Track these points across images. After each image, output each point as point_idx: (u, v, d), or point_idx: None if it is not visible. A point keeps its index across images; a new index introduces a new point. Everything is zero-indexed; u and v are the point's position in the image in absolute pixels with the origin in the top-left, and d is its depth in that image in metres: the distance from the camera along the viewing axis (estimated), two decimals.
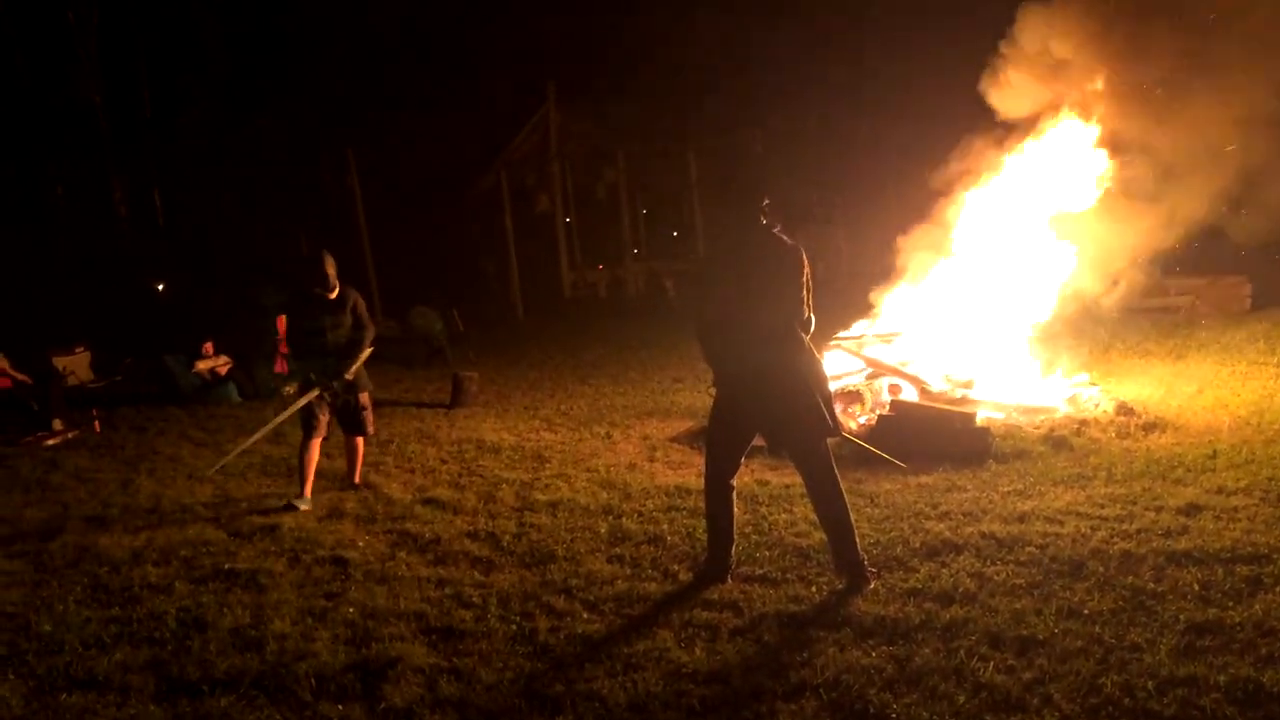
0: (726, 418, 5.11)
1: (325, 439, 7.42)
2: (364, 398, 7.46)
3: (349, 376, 7.27)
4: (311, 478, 7.26)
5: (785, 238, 4.95)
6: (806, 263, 4.92)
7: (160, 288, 21.46)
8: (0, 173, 21.17)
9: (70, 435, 10.90)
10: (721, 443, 5.15)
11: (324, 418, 7.31)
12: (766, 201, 4.91)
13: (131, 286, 20.78)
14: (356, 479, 7.61)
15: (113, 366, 14.64)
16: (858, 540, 4.99)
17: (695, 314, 5.17)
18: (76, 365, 14.01)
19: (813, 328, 4.99)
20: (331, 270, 7.25)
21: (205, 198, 23.62)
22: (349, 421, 7.49)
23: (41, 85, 22.04)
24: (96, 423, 11.32)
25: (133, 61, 23.08)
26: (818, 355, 5.04)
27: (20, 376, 11.90)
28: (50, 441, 10.63)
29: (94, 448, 10.22)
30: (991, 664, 3.91)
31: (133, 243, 22.91)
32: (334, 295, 7.29)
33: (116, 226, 22.99)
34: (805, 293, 4.90)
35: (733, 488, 5.18)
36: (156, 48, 23.30)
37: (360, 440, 7.60)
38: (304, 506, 7.02)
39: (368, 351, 7.42)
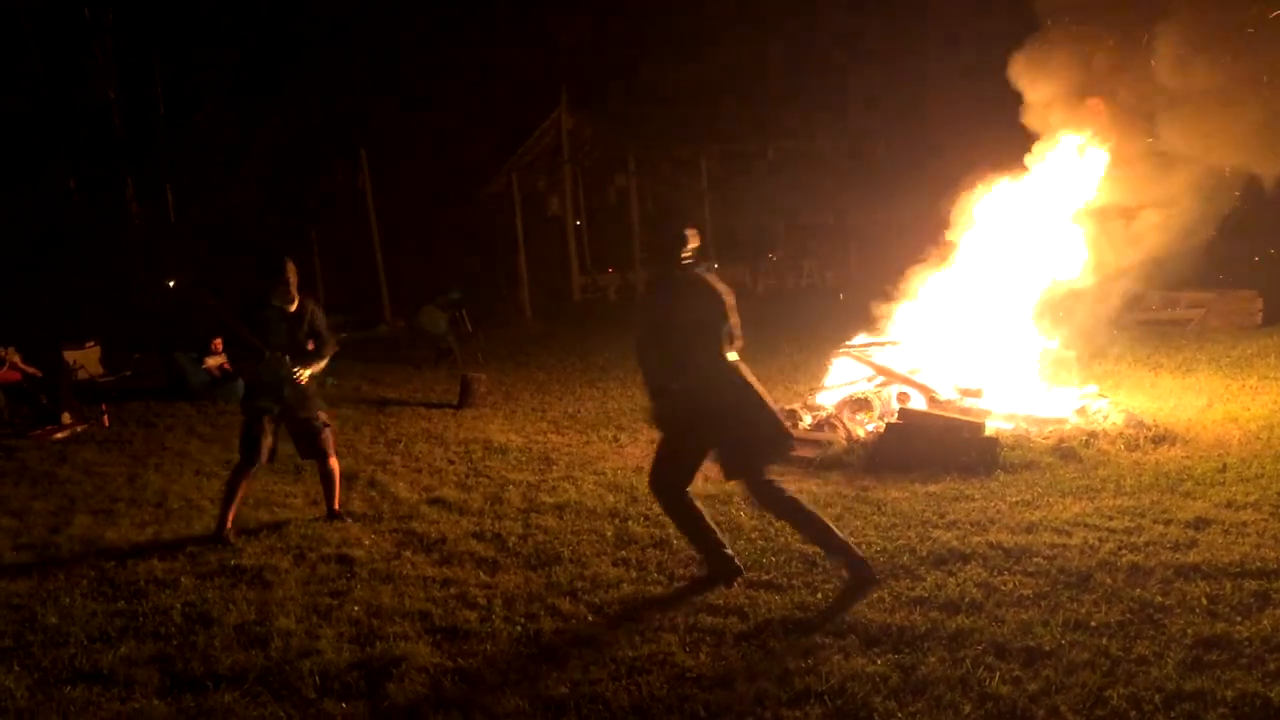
0: (678, 440, 5.24)
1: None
2: (321, 417, 6.67)
3: (303, 380, 6.50)
4: (234, 513, 6.48)
5: (707, 278, 5.17)
6: (727, 297, 5.17)
7: (171, 284, 21.52)
8: (14, 168, 21.24)
9: (79, 429, 10.94)
10: (673, 461, 5.26)
11: (268, 444, 6.48)
12: (691, 247, 5.13)
13: (142, 282, 20.83)
14: (336, 506, 6.77)
15: (123, 361, 14.69)
16: (840, 537, 5.07)
17: (641, 345, 5.39)
18: (87, 360, 14.04)
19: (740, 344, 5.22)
20: (293, 279, 6.51)
21: (217, 196, 23.69)
22: (308, 447, 6.65)
23: (57, 82, 22.12)
24: (105, 417, 11.36)
25: (147, 60, 23.13)
26: (750, 374, 5.21)
27: (30, 370, 11.95)
28: (59, 435, 10.67)
29: (102, 442, 10.25)
30: (998, 674, 3.89)
31: (144, 239, 22.97)
32: (293, 308, 6.53)
33: (128, 223, 23.05)
34: (731, 324, 5.15)
35: (689, 494, 5.26)
36: (170, 46, 23.36)
37: (332, 463, 6.71)
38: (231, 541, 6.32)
39: (321, 364, 6.72)
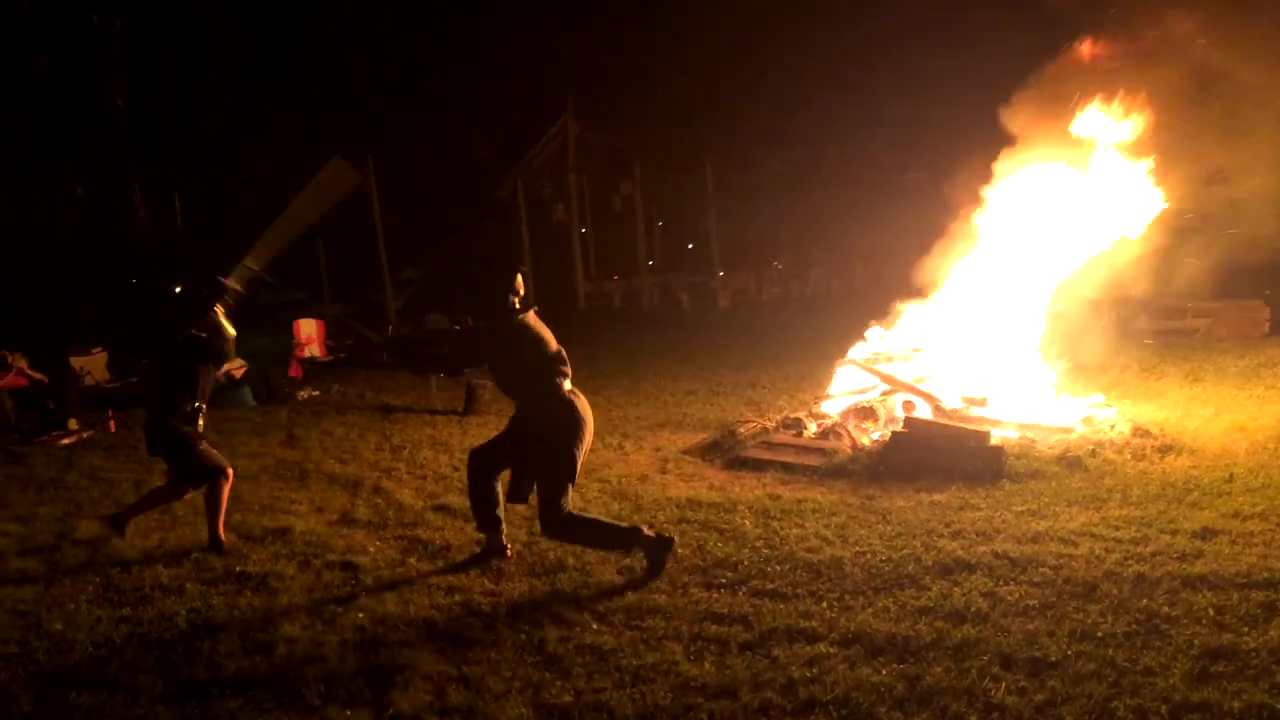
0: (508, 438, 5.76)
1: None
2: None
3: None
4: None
5: (513, 320, 5.38)
6: (526, 332, 5.39)
7: (178, 290, 21.57)
8: (23, 173, 21.33)
9: (85, 435, 10.96)
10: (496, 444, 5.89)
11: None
12: (517, 292, 5.40)
13: (149, 288, 20.88)
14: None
15: (129, 367, 14.71)
16: (629, 529, 5.43)
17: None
18: (93, 365, 14.07)
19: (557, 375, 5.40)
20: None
21: (223, 200, 23.78)
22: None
23: (64, 87, 22.23)
24: (112, 423, 11.38)
25: (154, 65, 23.26)
26: (558, 411, 5.39)
27: (37, 376, 11.97)
28: (65, 441, 10.69)
29: (108, 447, 10.27)
30: (1003, 685, 3.88)
31: (151, 244, 23.05)
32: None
33: (135, 228, 23.14)
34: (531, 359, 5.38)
35: (496, 479, 5.80)
36: (177, 51, 23.48)
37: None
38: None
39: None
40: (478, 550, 5.95)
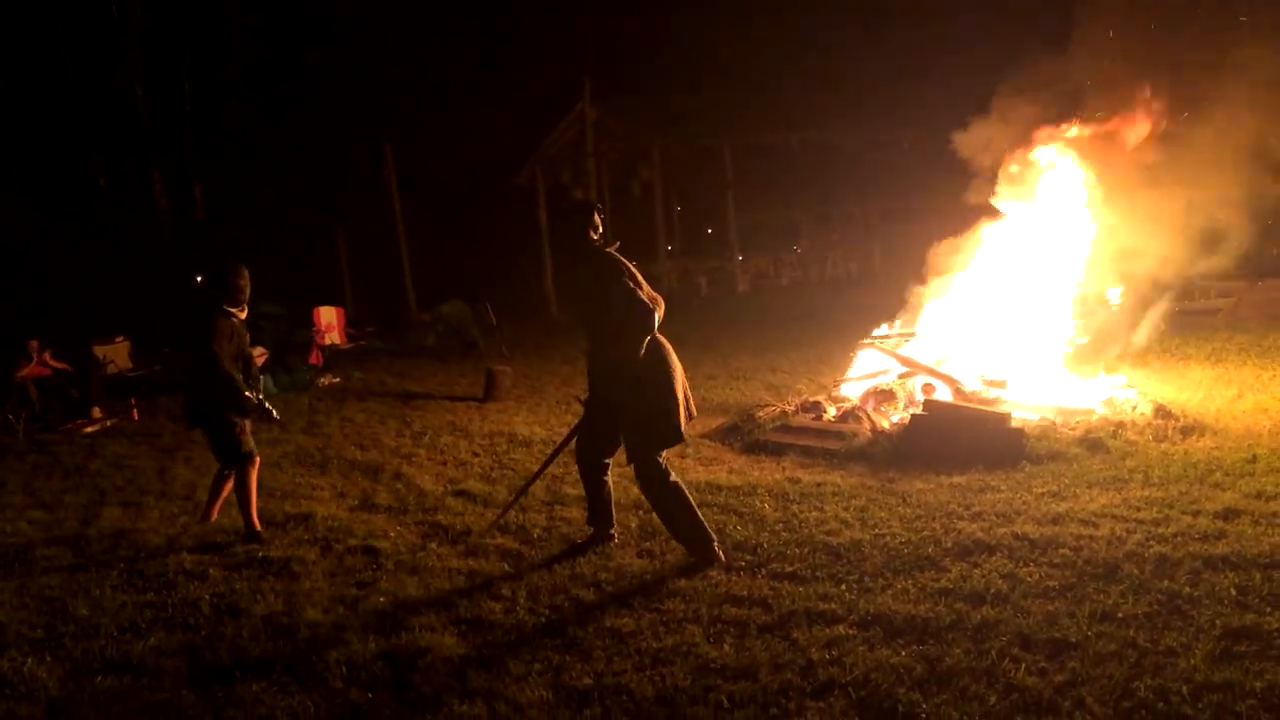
0: (590, 411, 5.65)
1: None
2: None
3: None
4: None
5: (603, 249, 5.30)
6: (621, 263, 5.22)
7: (199, 279, 21.70)
8: (44, 163, 21.48)
9: (109, 423, 11.07)
10: (583, 431, 5.70)
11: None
12: (597, 229, 5.32)
13: (171, 277, 21.02)
14: (214, 515, 6.74)
15: (152, 356, 14.83)
16: (707, 534, 5.32)
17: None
18: (116, 354, 14.18)
19: (652, 319, 5.17)
20: (248, 287, 6.39)
21: (243, 189, 23.88)
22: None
23: (85, 78, 22.34)
24: (135, 411, 11.49)
25: (175, 55, 23.33)
26: (659, 357, 5.25)
27: (60, 365, 12.10)
28: (89, 429, 10.81)
29: (132, 435, 10.37)
30: (1023, 666, 3.88)
31: (172, 234, 23.18)
32: (244, 316, 6.42)
33: (157, 218, 23.27)
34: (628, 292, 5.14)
35: (607, 468, 5.72)
36: (197, 41, 23.56)
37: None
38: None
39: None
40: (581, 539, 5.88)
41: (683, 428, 5.30)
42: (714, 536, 5.39)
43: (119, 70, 22.49)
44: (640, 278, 5.23)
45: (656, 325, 5.20)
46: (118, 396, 12.11)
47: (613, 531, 5.78)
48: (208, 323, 6.21)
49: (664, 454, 5.34)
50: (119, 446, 9.81)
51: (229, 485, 6.62)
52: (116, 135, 22.64)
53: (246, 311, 6.43)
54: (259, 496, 6.65)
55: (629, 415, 5.28)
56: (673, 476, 5.32)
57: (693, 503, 5.38)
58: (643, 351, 5.15)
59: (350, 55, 24.98)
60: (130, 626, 4.93)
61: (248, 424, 6.40)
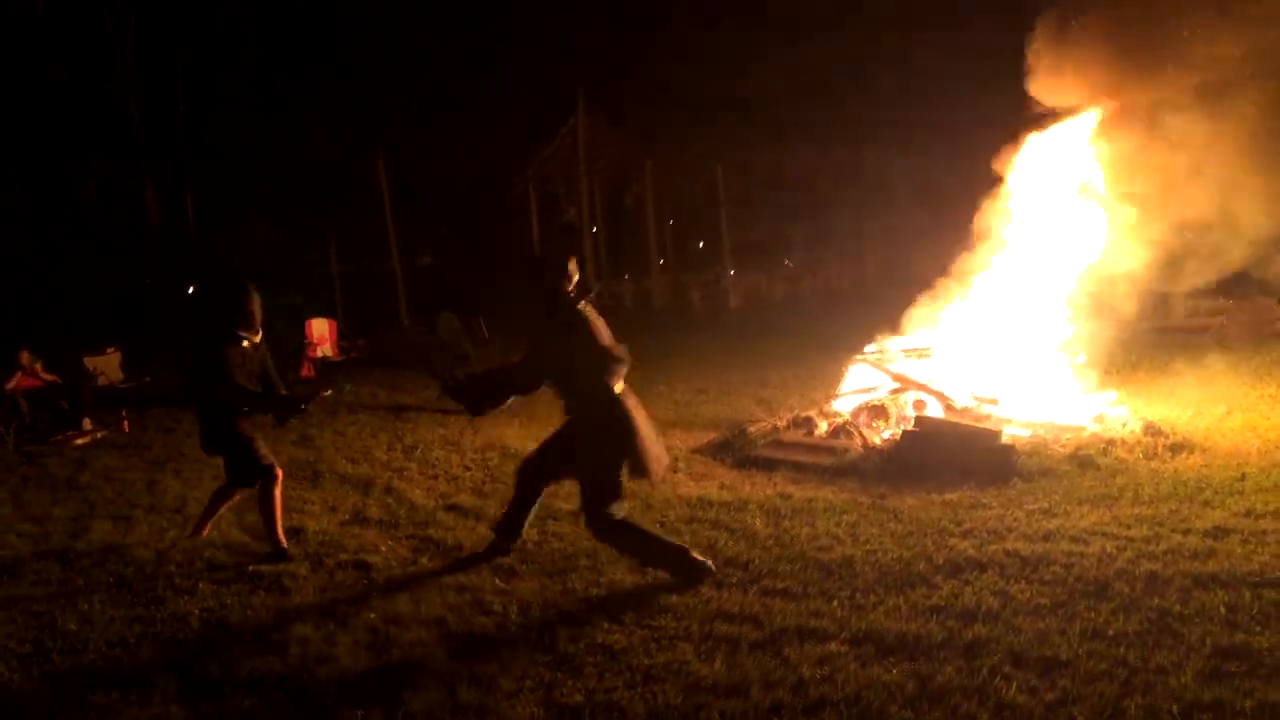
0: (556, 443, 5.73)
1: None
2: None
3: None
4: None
5: (568, 307, 5.26)
6: (584, 320, 5.22)
7: (191, 290, 21.67)
8: (35, 172, 21.44)
9: (99, 435, 11.03)
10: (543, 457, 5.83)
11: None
12: (570, 278, 5.26)
13: (162, 287, 20.99)
14: (205, 531, 6.64)
15: (143, 367, 14.80)
16: (679, 549, 5.33)
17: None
18: (107, 366, 14.16)
19: (620, 368, 5.26)
20: (259, 311, 6.24)
21: (235, 200, 23.88)
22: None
23: (78, 85, 22.33)
24: (125, 423, 11.45)
25: (168, 63, 23.34)
26: (604, 410, 5.22)
27: (50, 376, 12.05)
28: (79, 441, 10.76)
29: (122, 448, 10.34)
30: (1014, 684, 3.88)
31: (164, 243, 23.15)
32: (258, 340, 6.27)
33: (148, 227, 23.24)
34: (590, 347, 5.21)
35: (540, 490, 5.90)
36: (191, 50, 23.57)
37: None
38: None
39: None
40: (481, 549, 6.00)
41: (619, 488, 5.29)
42: (687, 547, 5.39)
43: (112, 78, 22.49)
44: (608, 334, 5.28)
45: (622, 375, 5.27)
46: (108, 408, 12.07)
47: (512, 549, 5.88)
48: (219, 353, 6.05)
49: (620, 507, 5.33)
50: (109, 459, 9.77)
51: (229, 503, 6.60)
52: (108, 143, 22.62)
53: (261, 335, 6.26)
54: (251, 510, 6.62)
55: (586, 472, 5.32)
56: (619, 515, 5.29)
57: (651, 530, 5.47)
58: (608, 400, 5.19)
59: (344, 68, 25.03)
60: (119, 641, 4.90)
61: (261, 439, 6.34)
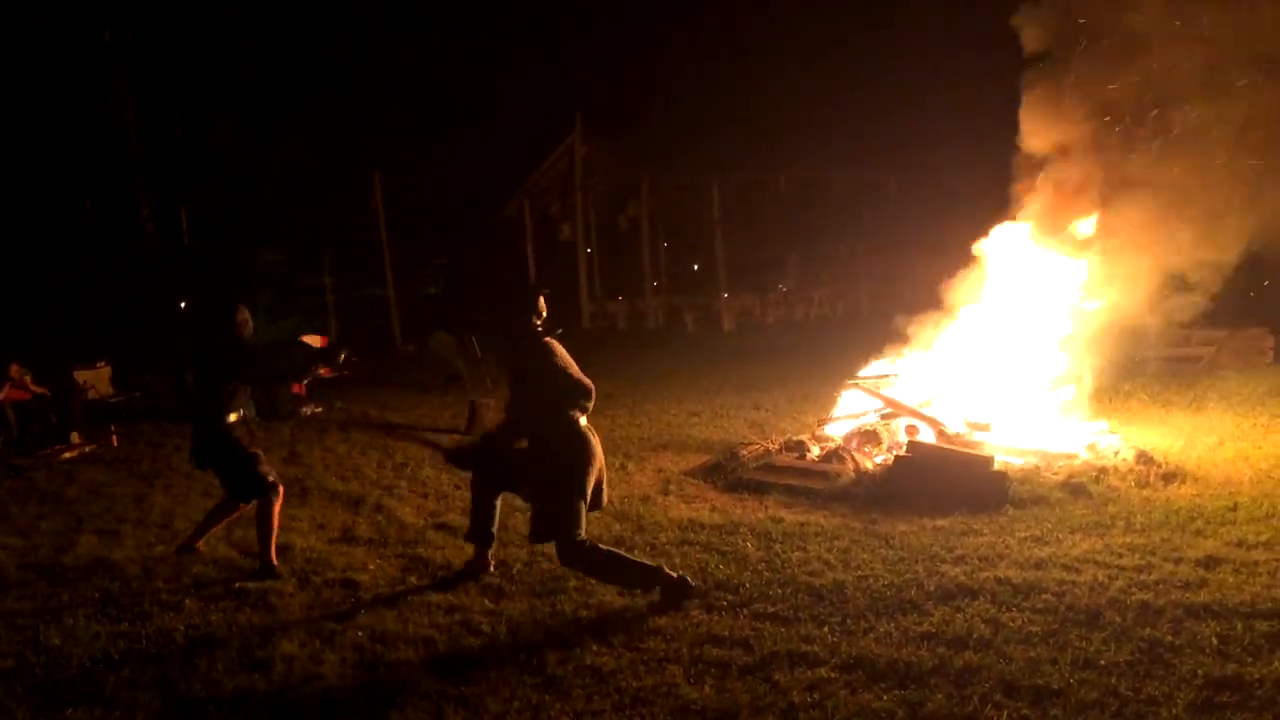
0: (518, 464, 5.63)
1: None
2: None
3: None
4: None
5: (535, 340, 5.38)
6: (559, 351, 5.35)
7: (183, 305, 21.64)
8: (30, 187, 21.43)
9: (87, 449, 10.97)
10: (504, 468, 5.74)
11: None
12: (539, 314, 5.40)
13: (155, 303, 20.94)
14: (201, 546, 6.59)
15: (134, 382, 14.75)
16: (653, 569, 5.32)
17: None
18: (97, 380, 14.11)
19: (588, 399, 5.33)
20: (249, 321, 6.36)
21: (230, 216, 23.89)
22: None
23: (75, 102, 22.35)
24: (114, 437, 11.40)
25: (165, 81, 23.39)
26: (571, 443, 5.26)
27: (40, 389, 12.01)
28: (68, 454, 10.71)
29: (110, 462, 10.28)
30: (1005, 712, 3.85)
31: (158, 260, 23.13)
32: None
33: (143, 243, 23.22)
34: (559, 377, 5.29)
35: (498, 497, 5.90)
36: (188, 67, 23.62)
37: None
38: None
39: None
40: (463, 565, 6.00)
41: (583, 515, 5.26)
42: (661, 565, 5.40)
43: (109, 95, 22.51)
44: (574, 366, 5.35)
45: (588, 410, 5.32)
46: (98, 422, 12.01)
47: (490, 560, 5.93)
48: (234, 338, 6.21)
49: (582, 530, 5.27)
50: (97, 473, 9.71)
51: (229, 519, 6.55)
52: (104, 159, 22.62)
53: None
54: (240, 525, 6.59)
55: (544, 500, 5.30)
56: (588, 543, 5.23)
57: (623, 554, 5.42)
58: (574, 432, 5.23)
59: (341, 85, 25.10)
60: (103, 657, 4.85)
61: (262, 453, 6.33)
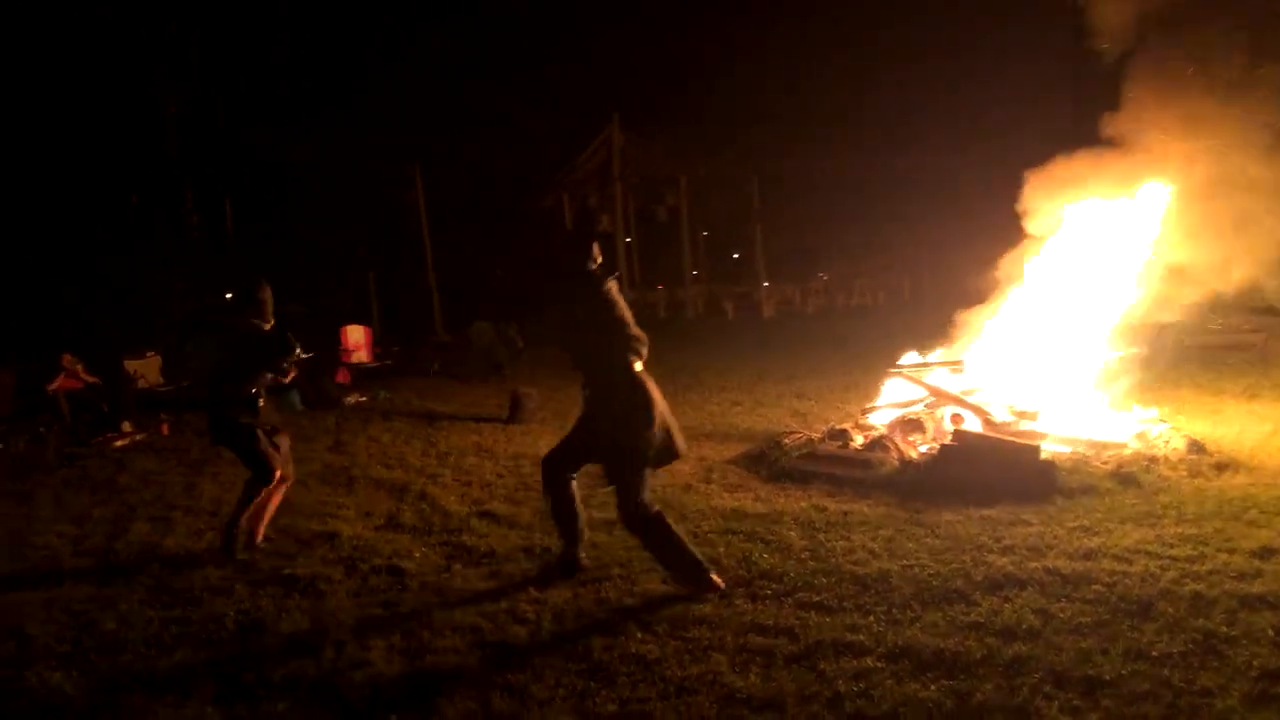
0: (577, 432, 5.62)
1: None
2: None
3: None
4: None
5: (593, 281, 5.29)
6: (610, 293, 5.28)
7: (229, 296, 21.90)
8: (77, 181, 21.77)
9: (138, 437, 11.15)
10: (562, 447, 5.65)
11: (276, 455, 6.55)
12: (595, 259, 5.32)
13: (201, 293, 21.23)
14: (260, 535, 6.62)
15: (182, 371, 14.96)
16: (697, 561, 5.26)
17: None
18: (147, 369, 14.34)
19: (642, 348, 5.30)
20: (270, 300, 6.56)
21: (273, 208, 24.15)
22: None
23: (120, 97, 22.65)
24: (164, 426, 11.58)
25: (207, 75, 23.65)
26: (626, 390, 5.24)
27: (91, 379, 12.22)
28: (119, 443, 10.89)
29: (160, 450, 10.45)
30: (1056, 703, 3.81)
31: (202, 251, 23.44)
32: (269, 329, 6.55)
33: (188, 235, 23.54)
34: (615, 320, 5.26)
35: (569, 480, 5.60)
36: (230, 62, 23.88)
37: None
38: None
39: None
40: (552, 559, 5.88)
41: (677, 447, 5.31)
42: (706, 565, 5.33)
43: (152, 89, 22.80)
44: (629, 315, 5.31)
45: (644, 357, 5.28)
46: (148, 411, 12.21)
47: (582, 557, 5.71)
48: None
49: (648, 488, 5.29)
50: (148, 461, 9.88)
51: (274, 500, 6.66)
52: (149, 153, 22.93)
53: (273, 323, 6.54)
54: (286, 513, 6.66)
55: (608, 451, 5.29)
56: (655, 510, 5.26)
57: (678, 534, 5.35)
58: (629, 377, 5.20)
59: (381, 78, 25.25)
60: (156, 642, 4.94)
61: (264, 438, 6.44)
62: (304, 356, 6.76)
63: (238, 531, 6.37)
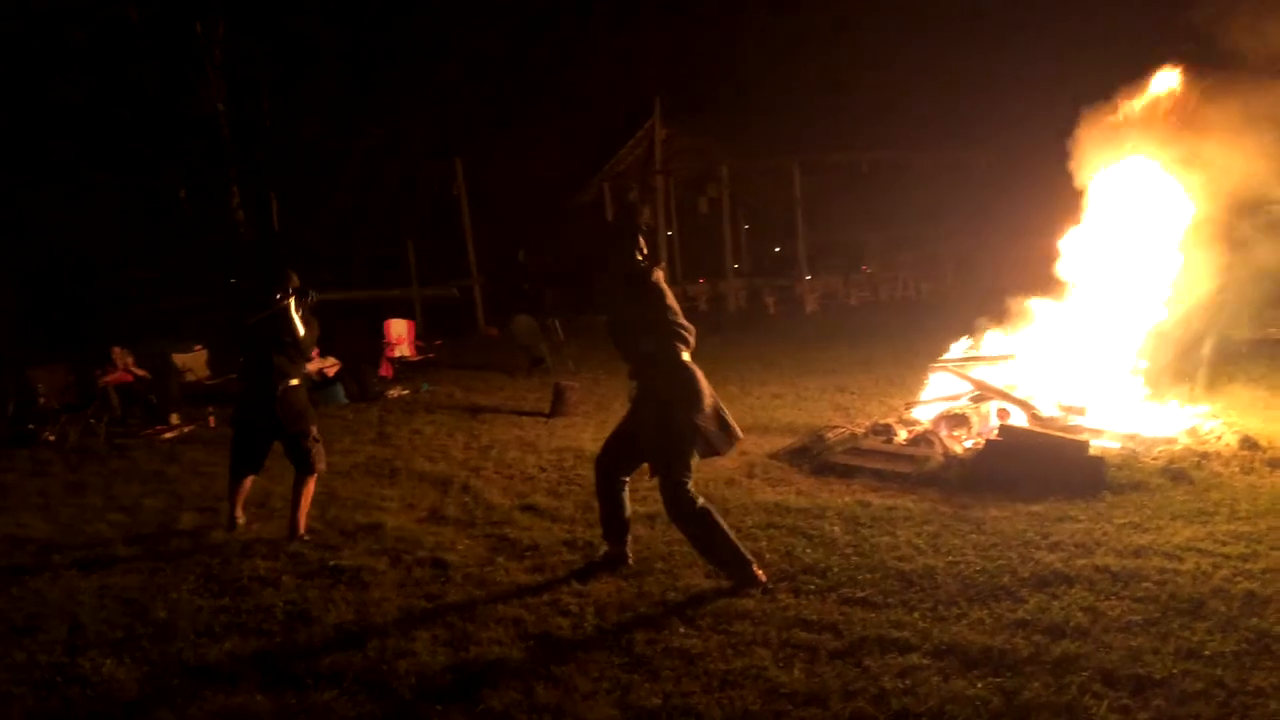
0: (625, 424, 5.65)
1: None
2: (314, 430, 6.85)
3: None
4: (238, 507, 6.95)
5: (640, 270, 5.35)
6: (659, 284, 5.34)
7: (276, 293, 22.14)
8: (127, 176, 22.12)
9: (186, 430, 11.33)
10: (612, 442, 5.71)
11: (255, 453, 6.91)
12: (641, 250, 5.35)
13: (247, 288, 21.49)
14: (301, 529, 6.65)
15: (229, 365, 15.16)
16: (742, 555, 5.24)
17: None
18: (194, 363, 14.55)
19: (689, 337, 5.38)
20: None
21: (318, 203, 24.39)
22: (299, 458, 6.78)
23: (168, 93, 22.97)
24: (211, 418, 11.74)
25: (254, 73, 23.90)
26: (674, 378, 5.30)
27: (141, 372, 12.43)
28: (168, 435, 11.07)
29: (208, 442, 10.60)
30: (1105, 702, 3.76)
31: (249, 244, 23.73)
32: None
33: (234, 230, 23.84)
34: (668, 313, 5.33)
35: (623, 484, 5.65)
36: (276, 59, 24.10)
37: (311, 481, 6.78)
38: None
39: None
40: (594, 553, 5.90)
41: (727, 440, 5.34)
42: (751, 559, 5.31)
43: (200, 86, 23.09)
44: (677, 305, 5.36)
45: (692, 347, 5.32)
46: (195, 404, 12.39)
47: (628, 553, 5.73)
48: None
49: (693, 481, 5.29)
50: (196, 453, 10.02)
51: (306, 491, 6.76)
52: (196, 149, 23.23)
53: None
54: (331, 505, 6.74)
55: (653, 439, 5.30)
56: (700, 502, 5.26)
57: (724, 526, 5.32)
58: (677, 366, 5.25)
59: (424, 73, 25.38)
60: (206, 630, 5.02)
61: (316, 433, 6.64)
62: (315, 299, 7.01)
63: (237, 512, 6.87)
